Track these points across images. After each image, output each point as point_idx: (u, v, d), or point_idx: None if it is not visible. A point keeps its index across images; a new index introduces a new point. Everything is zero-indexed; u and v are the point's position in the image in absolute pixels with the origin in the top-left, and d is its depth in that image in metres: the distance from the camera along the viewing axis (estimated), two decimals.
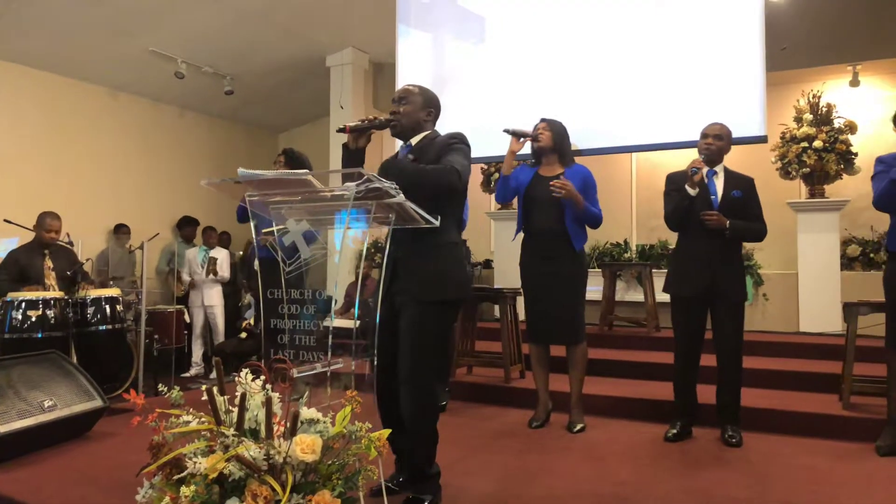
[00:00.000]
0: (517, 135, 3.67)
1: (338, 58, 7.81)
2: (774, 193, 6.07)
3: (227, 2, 6.30)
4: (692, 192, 3.38)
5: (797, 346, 4.92)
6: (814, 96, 5.71)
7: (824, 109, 5.64)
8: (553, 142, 3.67)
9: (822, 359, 4.61)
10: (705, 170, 3.45)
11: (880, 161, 3.17)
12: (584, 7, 5.63)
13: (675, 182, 3.51)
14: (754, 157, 5.44)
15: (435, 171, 2.42)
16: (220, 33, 6.82)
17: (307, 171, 2.19)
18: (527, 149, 3.84)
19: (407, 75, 6.36)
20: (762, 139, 4.91)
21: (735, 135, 3.62)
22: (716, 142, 3.46)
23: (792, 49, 5.85)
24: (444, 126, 2.75)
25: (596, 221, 3.63)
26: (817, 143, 5.46)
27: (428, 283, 2.47)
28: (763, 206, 3.51)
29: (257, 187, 2.26)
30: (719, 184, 3.46)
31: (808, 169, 5.50)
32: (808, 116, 5.65)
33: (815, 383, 4.15)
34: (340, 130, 2.46)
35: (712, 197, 3.43)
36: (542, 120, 3.75)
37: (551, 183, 3.52)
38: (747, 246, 5.80)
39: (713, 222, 3.34)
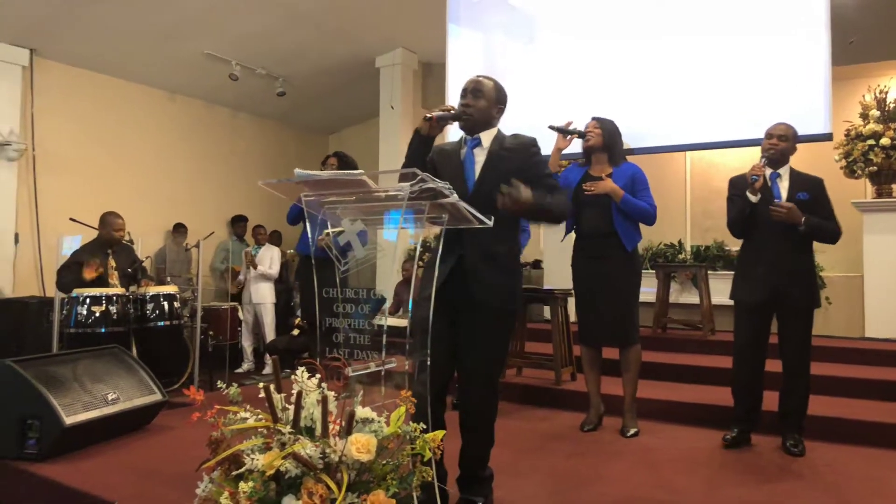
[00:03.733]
0: (563, 132, 3.61)
1: (387, 58, 7.87)
2: (838, 193, 5.80)
3: (279, 4, 6.41)
4: (753, 199, 3.27)
5: (862, 351, 4.73)
6: (881, 91, 5.46)
7: (892, 105, 5.39)
8: (603, 140, 3.61)
9: (889, 366, 4.43)
10: (768, 172, 3.33)
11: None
12: (637, 2, 5.52)
13: (737, 187, 3.40)
14: (817, 155, 5.23)
15: (566, 205, 2.51)
16: (273, 36, 6.95)
17: (362, 171, 2.19)
18: (577, 147, 3.78)
19: (457, 75, 6.36)
20: (827, 137, 4.72)
21: (799, 132, 3.48)
22: (780, 142, 3.32)
23: (859, 42, 5.60)
24: (500, 125, 2.69)
25: (646, 215, 3.54)
26: (885, 141, 5.22)
27: (502, 292, 2.44)
28: None
29: (313, 188, 2.28)
30: (783, 186, 3.33)
31: (874, 167, 5.27)
32: (875, 113, 5.41)
33: (882, 391, 3.98)
34: (427, 119, 2.41)
35: (776, 200, 3.30)
36: (593, 118, 3.69)
37: (584, 185, 3.52)
38: None
39: (782, 216, 3.19)
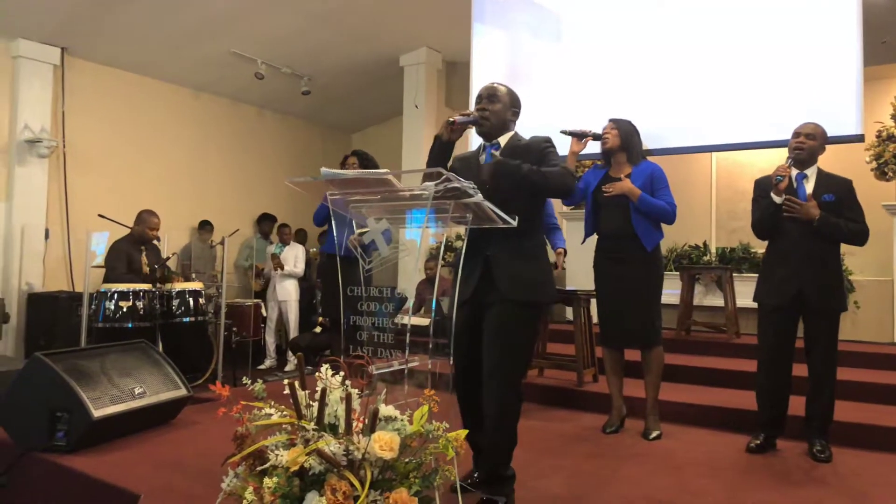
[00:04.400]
0: (577, 135, 3.60)
1: (412, 57, 7.87)
2: (869, 195, 5.70)
3: (305, 4, 6.45)
4: (777, 200, 3.21)
5: (892, 357, 4.63)
6: None
7: None
8: (621, 141, 3.60)
9: None
10: (794, 173, 3.28)
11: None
12: (665, 1, 5.47)
13: (762, 188, 3.35)
14: (848, 156, 5.14)
15: (558, 174, 2.46)
16: (298, 35, 7.00)
17: (387, 170, 2.21)
18: (596, 148, 3.77)
19: (482, 74, 6.35)
20: (859, 138, 4.63)
21: (829, 133, 3.41)
22: (808, 141, 3.27)
23: (891, 42, 5.49)
24: (520, 124, 2.72)
25: (664, 214, 3.51)
26: None
27: (525, 285, 2.48)
28: None
29: (339, 186, 2.29)
30: (809, 187, 3.26)
31: None
32: None
33: None
34: (450, 123, 2.48)
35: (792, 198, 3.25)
36: (610, 120, 3.68)
37: (602, 187, 3.53)
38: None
39: (796, 211, 3.15)
